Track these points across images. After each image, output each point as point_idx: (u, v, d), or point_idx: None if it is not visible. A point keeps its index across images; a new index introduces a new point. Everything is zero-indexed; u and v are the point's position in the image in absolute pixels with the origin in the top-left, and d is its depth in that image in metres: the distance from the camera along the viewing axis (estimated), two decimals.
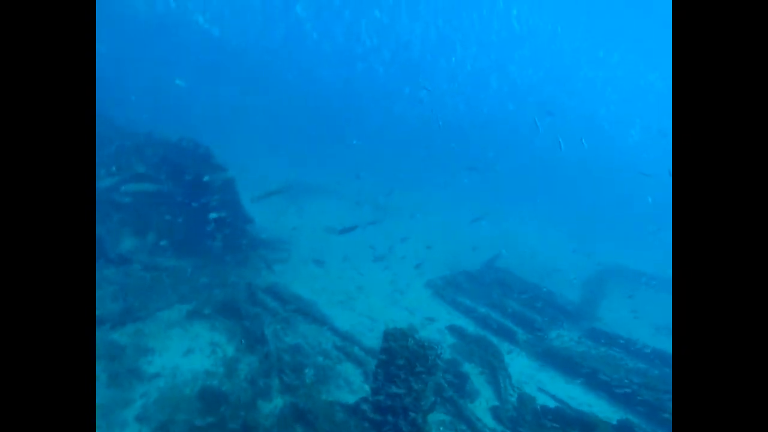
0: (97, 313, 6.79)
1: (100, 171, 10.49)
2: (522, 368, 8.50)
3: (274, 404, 5.73)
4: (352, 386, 6.69)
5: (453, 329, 9.67)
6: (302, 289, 10.10)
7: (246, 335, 7.25)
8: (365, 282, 11.64)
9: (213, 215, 8.91)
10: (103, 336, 6.50)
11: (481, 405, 6.90)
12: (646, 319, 13.11)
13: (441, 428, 5.58)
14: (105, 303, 7.27)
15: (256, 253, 11.24)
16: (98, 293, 7.49)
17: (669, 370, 9.19)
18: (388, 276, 12.71)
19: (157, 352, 6.43)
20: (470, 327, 10.04)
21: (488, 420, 6.47)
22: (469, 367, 7.96)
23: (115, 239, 9.27)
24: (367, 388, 6.72)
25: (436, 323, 10.01)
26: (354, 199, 21.68)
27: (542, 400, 7.16)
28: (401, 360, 5.18)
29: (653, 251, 22.03)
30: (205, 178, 10.14)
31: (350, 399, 6.17)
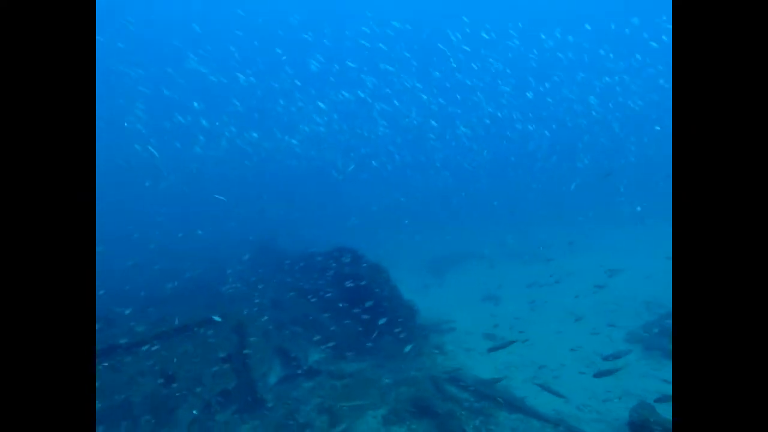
0: (312, 429, 7.16)
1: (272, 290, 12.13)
2: None
3: None
4: None
5: None
6: (485, 371, 9.25)
7: None
8: (549, 348, 10.13)
9: (382, 321, 9.22)
10: None
11: None
12: None
13: None
14: (312, 416, 7.70)
15: (426, 341, 10.98)
16: (306, 408, 8.01)
17: None
18: (573, 335, 10.90)
19: None
20: None
21: None
22: None
23: (305, 352, 10.15)
24: None
25: (666, 386, 7.82)
26: (492, 257, 20.47)
27: None
28: None
29: None
30: (362, 283, 10.75)
31: None
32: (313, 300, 11.48)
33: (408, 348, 8.09)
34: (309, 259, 13.90)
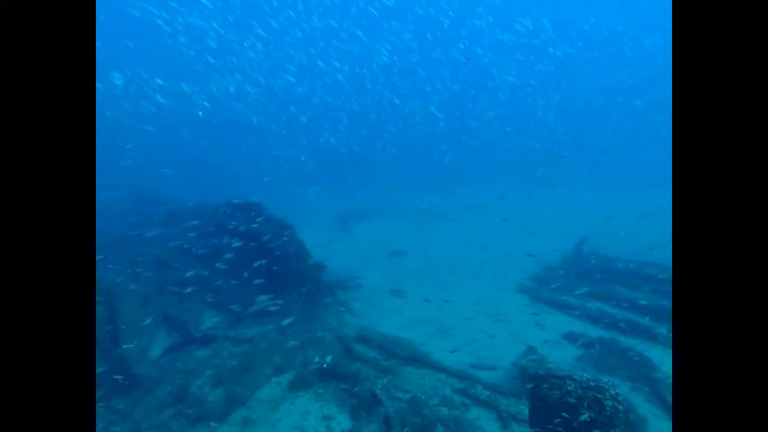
0: (203, 407, 6.35)
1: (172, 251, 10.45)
2: None
3: None
4: None
5: (572, 337, 8.43)
6: (391, 328, 9.32)
7: (355, 399, 6.51)
8: (452, 303, 10.65)
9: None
10: None
11: None
12: None
13: None
14: (205, 392, 6.85)
15: (333, 299, 10.65)
16: (197, 381, 7.11)
17: None
18: (473, 289, 11.67)
19: None
20: (590, 330, 8.74)
21: None
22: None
23: (197, 317, 8.99)
24: None
25: (548, 333, 8.81)
26: (398, 214, 20.89)
27: None
28: (571, 411, 4.15)
29: None
30: (265, 238, 9.75)
31: None
32: (207, 258, 10.15)
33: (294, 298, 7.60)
34: (203, 211, 12.22)
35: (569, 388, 4.19)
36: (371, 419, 6.10)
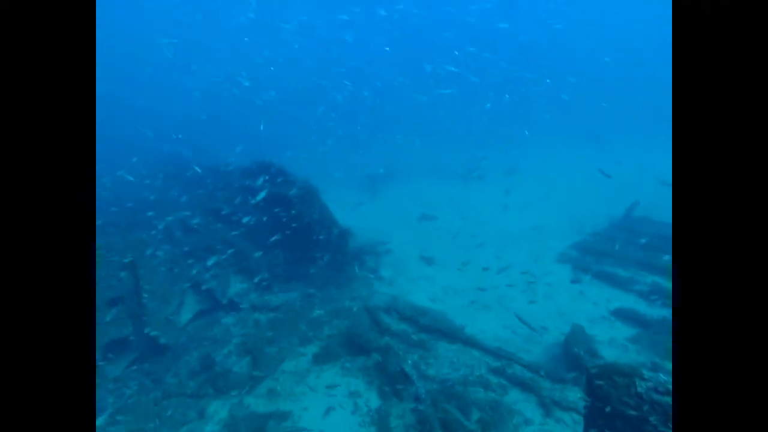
0: (229, 377, 6.21)
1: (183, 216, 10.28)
2: None
3: None
4: (534, 425, 5.22)
5: (622, 314, 7.65)
6: (422, 298, 8.87)
7: (384, 376, 6.16)
8: (488, 272, 9.99)
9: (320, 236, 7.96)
10: (239, 403, 5.85)
11: None
12: None
13: None
14: (231, 361, 6.71)
15: (362, 266, 10.25)
16: (223, 350, 7.00)
17: None
18: (510, 257, 10.91)
19: (296, 416, 5.60)
20: (641, 306, 7.90)
21: None
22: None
23: (224, 284, 8.86)
24: (552, 423, 5.22)
25: (597, 309, 8.06)
26: (431, 175, 19.93)
27: None
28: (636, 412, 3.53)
29: None
30: (290, 203, 9.28)
31: None
32: (232, 223, 9.89)
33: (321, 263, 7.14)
34: (227, 176, 11.89)
35: (639, 390, 3.52)
36: (401, 398, 5.75)
